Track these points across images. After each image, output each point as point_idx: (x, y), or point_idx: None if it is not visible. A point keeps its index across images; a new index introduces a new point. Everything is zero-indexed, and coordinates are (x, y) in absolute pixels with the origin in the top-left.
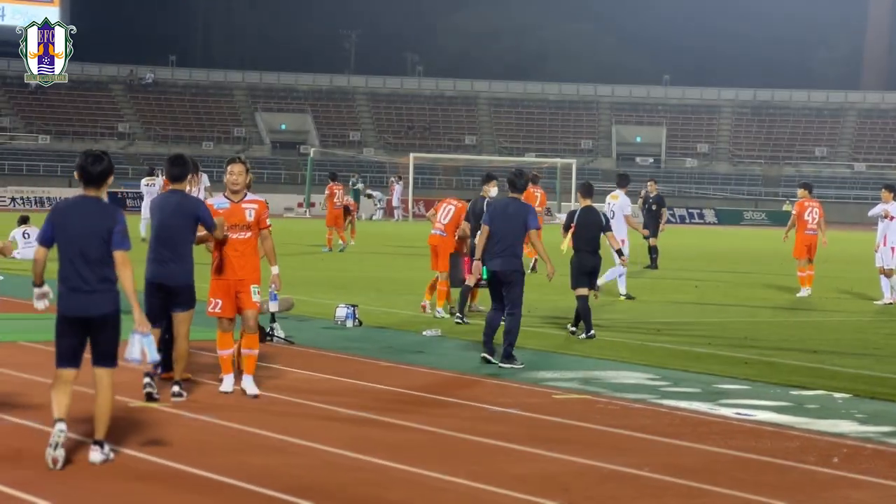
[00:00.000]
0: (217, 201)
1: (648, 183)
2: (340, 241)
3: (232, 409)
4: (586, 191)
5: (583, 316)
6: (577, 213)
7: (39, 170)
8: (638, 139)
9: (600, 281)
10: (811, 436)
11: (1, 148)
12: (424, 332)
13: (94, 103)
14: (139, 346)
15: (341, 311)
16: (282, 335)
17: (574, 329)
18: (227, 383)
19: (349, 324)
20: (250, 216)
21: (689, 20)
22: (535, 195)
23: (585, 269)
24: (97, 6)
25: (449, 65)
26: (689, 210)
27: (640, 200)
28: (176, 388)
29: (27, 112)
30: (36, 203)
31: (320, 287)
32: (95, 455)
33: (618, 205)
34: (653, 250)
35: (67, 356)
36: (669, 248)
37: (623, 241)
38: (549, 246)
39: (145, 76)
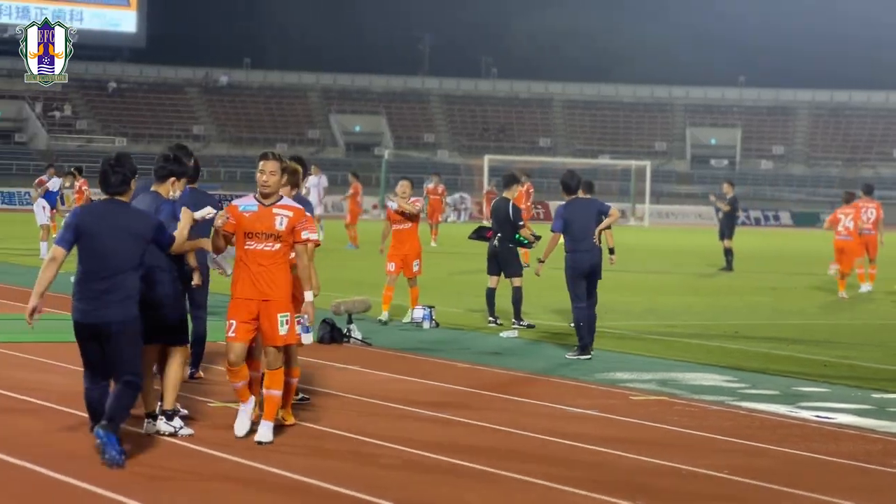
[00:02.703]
0: (244, 203)
1: (724, 184)
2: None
3: (310, 409)
4: (587, 187)
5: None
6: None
7: None
8: (713, 141)
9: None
10: (894, 439)
11: (79, 150)
12: (502, 334)
13: (170, 106)
14: (223, 261)
15: (418, 313)
16: (359, 336)
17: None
18: (246, 410)
19: (426, 325)
20: (280, 225)
21: (765, 21)
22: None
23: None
24: (173, 9)
25: (523, 66)
26: (765, 212)
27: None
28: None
29: (104, 115)
30: None
31: (398, 288)
32: (161, 425)
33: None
34: (727, 252)
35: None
36: (745, 250)
37: None
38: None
39: (220, 78)
